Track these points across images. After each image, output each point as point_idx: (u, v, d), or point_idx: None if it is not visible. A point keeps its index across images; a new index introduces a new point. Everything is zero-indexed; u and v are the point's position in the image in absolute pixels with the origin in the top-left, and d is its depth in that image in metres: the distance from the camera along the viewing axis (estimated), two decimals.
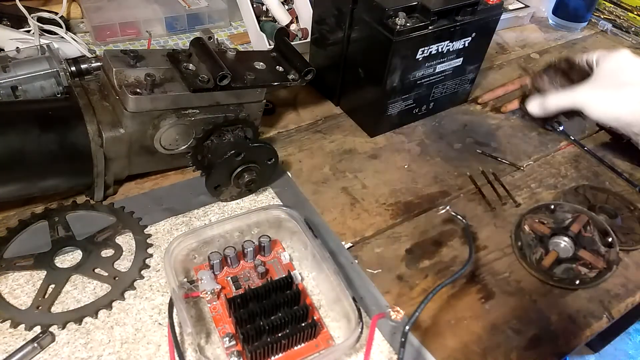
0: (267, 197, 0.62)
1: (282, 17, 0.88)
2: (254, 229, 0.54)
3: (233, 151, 0.55)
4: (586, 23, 1.06)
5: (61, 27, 0.81)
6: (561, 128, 0.77)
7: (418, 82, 0.70)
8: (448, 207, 0.62)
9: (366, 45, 0.67)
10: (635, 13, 1.05)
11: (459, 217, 0.61)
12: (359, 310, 0.45)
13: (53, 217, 0.56)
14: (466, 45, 0.70)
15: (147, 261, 0.53)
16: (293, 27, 0.89)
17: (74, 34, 0.83)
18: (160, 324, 0.48)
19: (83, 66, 0.69)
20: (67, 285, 0.50)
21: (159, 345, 0.46)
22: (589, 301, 0.54)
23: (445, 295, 0.53)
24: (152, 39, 0.87)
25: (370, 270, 0.55)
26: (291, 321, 0.46)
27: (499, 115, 0.80)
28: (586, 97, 0.60)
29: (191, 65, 0.57)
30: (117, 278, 0.51)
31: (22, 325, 0.46)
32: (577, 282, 0.54)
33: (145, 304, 0.50)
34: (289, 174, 0.66)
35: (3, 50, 0.75)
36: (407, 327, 0.43)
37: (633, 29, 1.05)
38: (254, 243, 0.52)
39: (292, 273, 0.50)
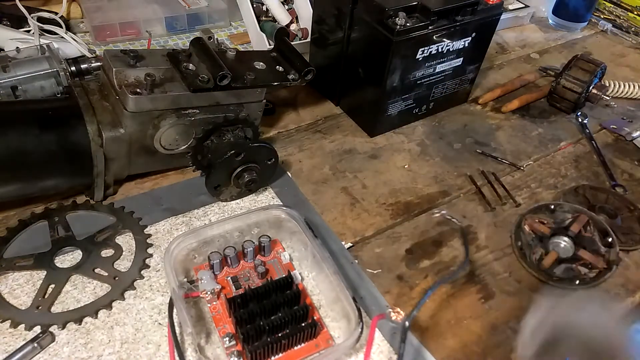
0: (267, 197, 0.62)
1: (282, 17, 0.88)
2: (254, 229, 0.54)
3: (233, 151, 0.55)
4: (586, 23, 1.06)
5: (61, 27, 0.81)
6: (586, 120, 0.77)
7: (418, 82, 0.70)
8: (444, 212, 0.62)
9: (366, 45, 0.67)
10: (635, 13, 1.05)
11: (454, 220, 0.61)
12: (359, 310, 0.45)
13: (53, 217, 0.56)
14: (466, 45, 0.70)
15: (147, 261, 0.53)
16: (293, 27, 0.89)
17: (74, 34, 0.83)
18: (160, 324, 0.48)
19: (83, 66, 0.69)
20: (67, 285, 0.50)
21: (159, 345, 0.46)
22: None
23: (445, 295, 0.53)
24: (152, 39, 0.87)
25: (370, 270, 0.55)
26: (291, 321, 0.46)
27: (499, 115, 0.80)
28: None
29: (191, 65, 0.57)
30: (117, 278, 0.51)
31: (22, 325, 0.46)
32: (577, 282, 0.54)
33: (145, 304, 0.50)
34: (289, 174, 0.66)
35: (3, 50, 0.75)
36: (407, 323, 0.43)
37: (633, 29, 1.05)
38: (254, 243, 0.52)
39: (292, 273, 0.50)
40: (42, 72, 0.65)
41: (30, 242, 0.54)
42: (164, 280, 0.52)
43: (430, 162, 0.70)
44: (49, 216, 0.56)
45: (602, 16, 1.10)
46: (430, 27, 0.64)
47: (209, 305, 0.49)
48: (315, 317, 0.48)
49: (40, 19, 0.81)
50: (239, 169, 0.57)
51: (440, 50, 0.68)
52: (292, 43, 0.68)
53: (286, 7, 0.90)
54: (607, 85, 0.82)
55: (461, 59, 0.72)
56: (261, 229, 0.55)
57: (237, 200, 0.61)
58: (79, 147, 0.53)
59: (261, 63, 0.62)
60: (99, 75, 0.61)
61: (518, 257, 0.57)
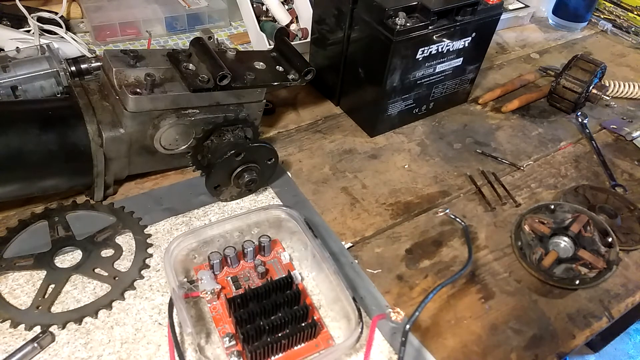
0: (267, 197, 0.62)
1: (282, 17, 0.88)
2: (254, 229, 0.54)
3: (233, 151, 0.55)
4: (586, 23, 1.06)
5: (61, 27, 0.81)
6: (586, 120, 0.77)
7: (418, 82, 0.70)
8: (447, 211, 0.62)
9: (366, 45, 0.67)
10: (635, 13, 1.05)
11: (457, 219, 0.61)
12: (359, 310, 0.45)
13: (53, 217, 0.56)
14: (466, 45, 0.70)
15: (147, 261, 0.53)
16: (293, 27, 0.89)
17: (74, 34, 0.83)
18: (160, 324, 0.48)
19: (83, 66, 0.69)
20: (67, 285, 0.50)
21: (159, 345, 0.46)
22: (589, 301, 0.54)
23: (445, 295, 0.53)
24: (152, 39, 0.87)
25: (370, 270, 0.55)
26: (291, 321, 0.46)
27: (499, 115, 0.80)
28: None
29: (191, 65, 0.57)
30: (117, 278, 0.51)
31: (22, 325, 0.46)
32: (577, 282, 0.54)
33: (145, 304, 0.50)
34: (289, 174, 0.66)
35: (3, 50, 0.75)
36: (407, 326, 0.43)
37: (633, 29, 1.05)
38: (254, 243, 0.52)
39: (292, 273, 0.50)
40: (42, 72, 0.65)
41: (30, 242, 0.54)
42: (164, 280, 0.52)
43: (430, 162, 0.70)
44: (49, 216, 0.56)
45: (602, 16, 1.10)
46: (430, 27, 0.64)
47: (209, 305, 0.49)
48: (315, 317, 0.48)
49: (40, 19, 0.81)
50: (239, 169, 0.57)
51: (440, 50, 0.68)
52: (292, 43, 0.68)
53: (286, 7, 0.90)
54: (607, 85, 0.82)
55: (461, 59, 0.72)
56: (261, 229, 0.55)
57: (237, 200, 0.61)
58: (79, 147, 0.53)
59: (261, 63, 0.62)
60: (99, 75, 0.61)
61: (518, 257, 0.57)
